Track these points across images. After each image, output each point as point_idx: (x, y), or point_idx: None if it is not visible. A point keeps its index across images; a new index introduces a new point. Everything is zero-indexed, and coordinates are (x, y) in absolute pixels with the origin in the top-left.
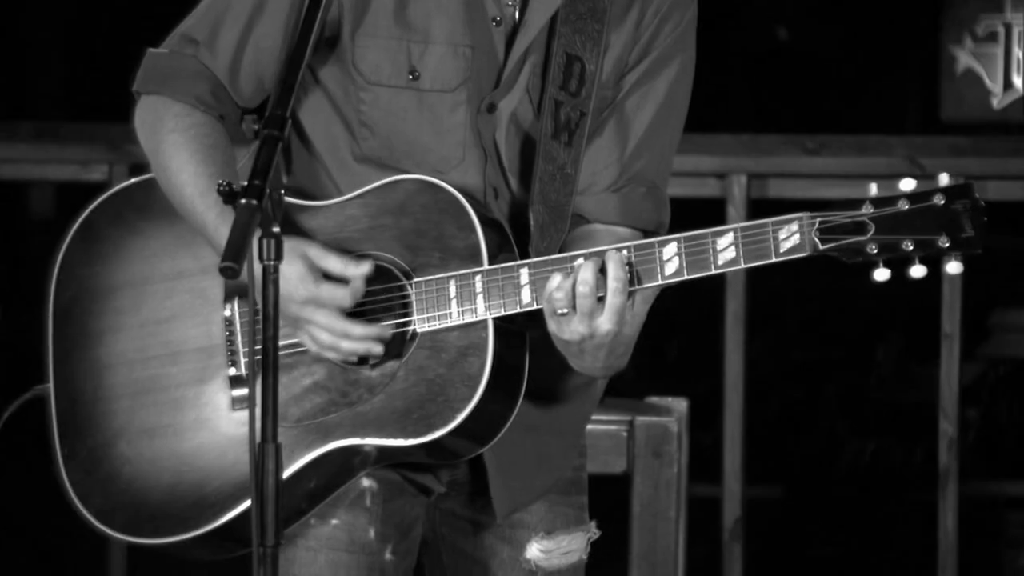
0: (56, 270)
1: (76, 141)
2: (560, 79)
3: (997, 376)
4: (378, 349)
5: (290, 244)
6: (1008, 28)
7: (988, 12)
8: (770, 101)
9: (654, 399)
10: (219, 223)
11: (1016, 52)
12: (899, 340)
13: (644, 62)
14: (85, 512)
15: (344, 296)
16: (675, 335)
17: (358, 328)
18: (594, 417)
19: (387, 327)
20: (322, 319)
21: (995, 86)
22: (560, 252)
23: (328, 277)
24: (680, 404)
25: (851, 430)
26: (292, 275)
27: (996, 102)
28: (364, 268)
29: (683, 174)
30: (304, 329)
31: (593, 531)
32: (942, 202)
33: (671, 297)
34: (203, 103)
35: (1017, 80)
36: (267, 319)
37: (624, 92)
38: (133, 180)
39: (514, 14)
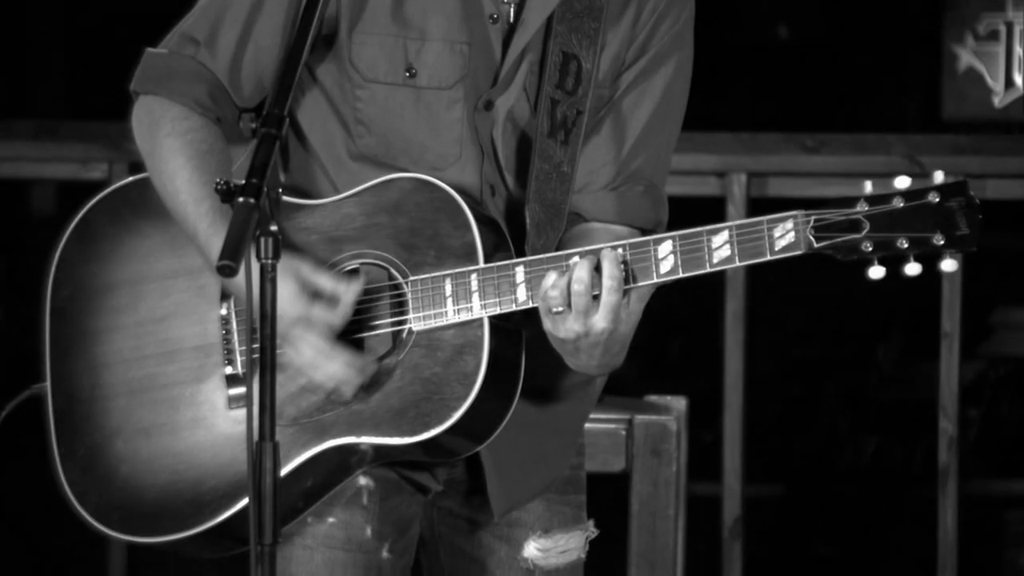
0: (53, 269)
1: (76, 139)
2: (556, 77)
3: (998, 375)
4: (354, 383)
5: (283, 262)
6: (1009, 27)
7: (989, 10)
8: (770, 99)
9: (653, 397)
10: (211, 233)
11: (1017, 50)
12: (900, 339)
13: (641, 60)
14: (82, 511)
15: (334, 317)
16: (675, 334)
17: (343, 354)
18: (592, 415)
19: (370, 362)
20: (311, 339)
21: (996, 84)
22: (557, 251)
23: (319, 295)
24: (679, 403)
25: (851, 429)
26: (284, 294)
27: (997, 100)
28: (355, 288)
29: (683, 172)
30: (293, 345)
31: (591, 530)
32: (937, 200)
33: (671, 296)
34: (200, 105)
35: (1018, 78)
36: (264, 317)
37: (621, 91)
38: (130, 179)
39: (510, 12)
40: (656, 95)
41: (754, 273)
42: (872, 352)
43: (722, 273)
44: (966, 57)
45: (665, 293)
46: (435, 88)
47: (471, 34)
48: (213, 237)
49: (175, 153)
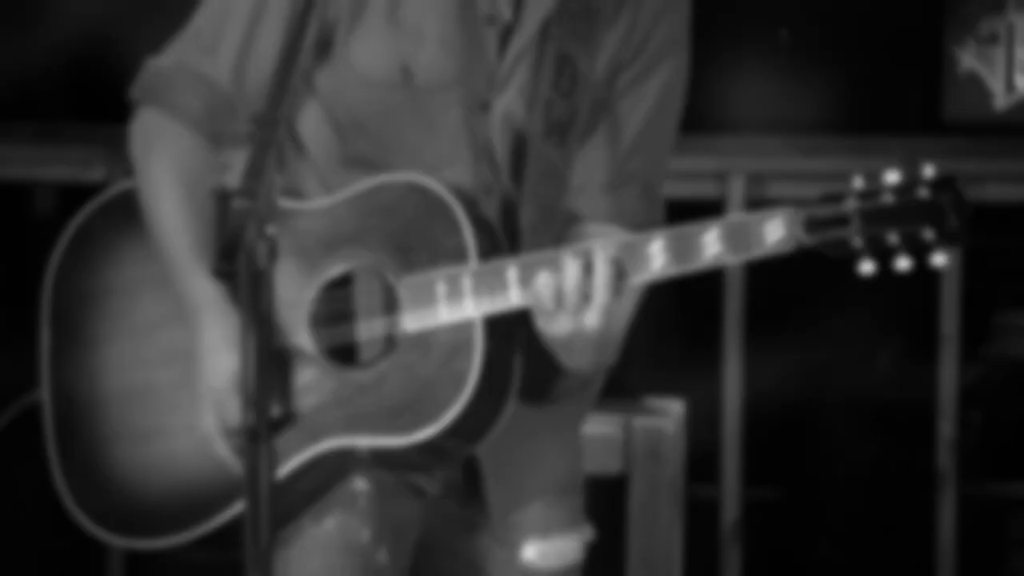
0: (50, 275)
1: (76, 141)
2: (552, 79)
3: (998, 378)
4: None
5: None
6: (1010, 29)
7: (990, 13)
8: (770, 101)
9: (651, 399)
10: (190, 270)
11: (1018, 53)
12: (899, 341)
13: (637, 62)
14: (81, 516)
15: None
16: (674, 335)
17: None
18: (590, 417)
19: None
20: (212, 418)
21: (997, 87)
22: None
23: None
24: (677, 405)
25: (851, 431)
26: (224, 369)
27: (998, 103)
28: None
29: (681, 174)
30: (202, 403)
31: (589, 533)
32: (927, 195)
33: (670, 297)
34: (198, 120)
35: (1019, 81)
36: (260, 321)
37: (617, 93)
38: (126, 184)
39: (507, 14)
40: (652, 97)
41: (753, 273)
42: (872, 354)
43: (721, 273)
44: (966, 60)
45: (663, 294)
46: (431, 89)
47: (468, 35)
48: (190, 273)
49: (165, 174)
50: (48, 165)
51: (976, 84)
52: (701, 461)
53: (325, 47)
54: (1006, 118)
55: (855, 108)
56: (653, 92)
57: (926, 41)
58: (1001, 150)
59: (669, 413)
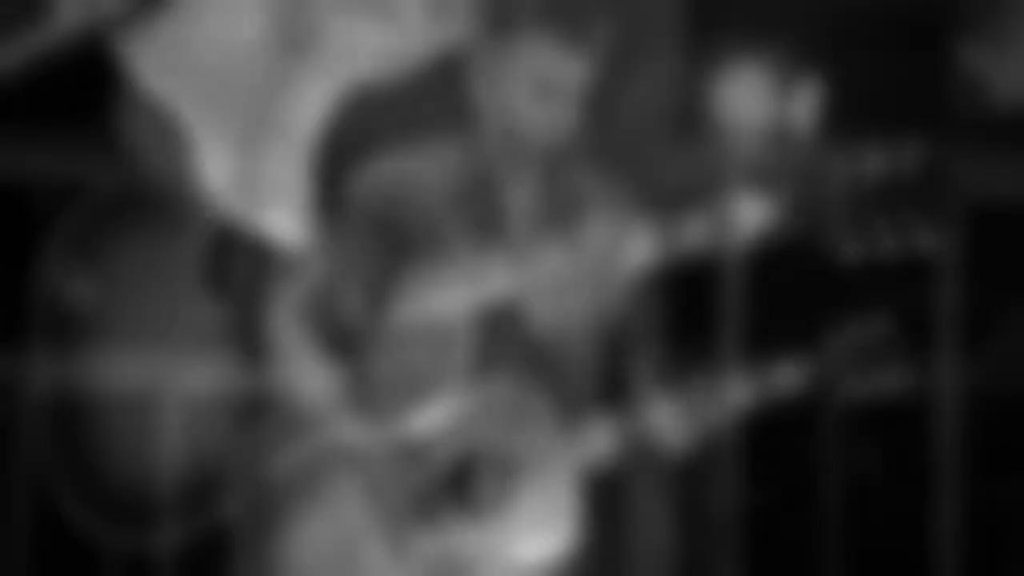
0: (46, 273)
1: (76, 141)
2: (549, 68)
3: (1000, 376)
4: None
5: None
6: (1012, 26)
7: (991, 9)
8: (765, 96)
9: (650, 396)
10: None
11: (1019, 50)
12: (900, 339)
13: (628, 57)
14: (78, 515)
15: None
16: (673, 333)
17: None
18: (588, 414)
19: None
20: None
21: (998, 85)
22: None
23: None
24: (676, 402)
25: (851, 430)
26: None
27: (999, 101)
28: None
29: (675, 167)
30: None
31: (585, 529)
32: (913, 179)
33: (669, 294)
34: (179, 109)
35: (1020, 79)
36: (256, 319)
37: (610, 85)
38: (123, 181)
39: None
40: (645, 90)
41: (752, 271)
42: (872, 353)
43: (720, 271)
44: (967, 57)
45: (663, 291)
46: (425, 79)
47: (461, 23)
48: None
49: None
50: (48, 165)
51: (976, 81)
52: (700, 460)
53: (313, 39)
54: (1007, 115)
55: (853, 104)
56: (646, 85)
57: (926, 37)
58: (1001, 148)
59: (668, 412)
